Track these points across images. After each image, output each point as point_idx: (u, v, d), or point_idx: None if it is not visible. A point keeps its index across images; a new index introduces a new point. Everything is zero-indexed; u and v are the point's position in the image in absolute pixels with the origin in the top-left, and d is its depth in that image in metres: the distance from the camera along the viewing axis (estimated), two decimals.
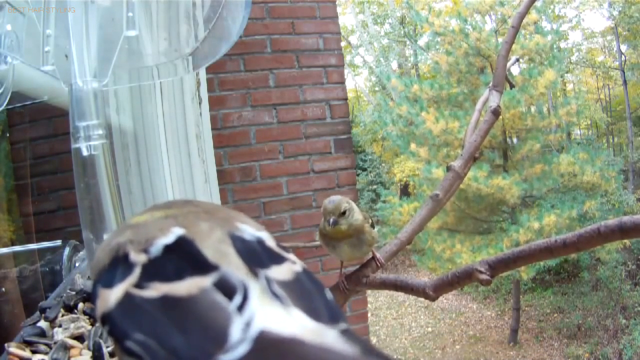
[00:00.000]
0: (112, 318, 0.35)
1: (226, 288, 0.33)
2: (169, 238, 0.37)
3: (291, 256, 0.41)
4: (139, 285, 0.35)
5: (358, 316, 2.74)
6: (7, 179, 1.76)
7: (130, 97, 1.49)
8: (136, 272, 0.36)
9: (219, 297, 0.32)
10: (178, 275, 0.34)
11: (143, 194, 1.51)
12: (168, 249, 0.37)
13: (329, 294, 0.37)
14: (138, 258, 0.37)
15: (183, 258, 0.36)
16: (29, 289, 1.18)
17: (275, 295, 0.33)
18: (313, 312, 0.33)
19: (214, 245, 0.37)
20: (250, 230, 0.41)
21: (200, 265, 0.35)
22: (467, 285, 0.68)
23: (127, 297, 0.34)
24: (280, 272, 0.37)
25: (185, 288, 0.33)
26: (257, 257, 0.38)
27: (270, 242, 0.41)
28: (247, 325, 0.30)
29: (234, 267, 0.35)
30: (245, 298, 0.32)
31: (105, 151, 0.71)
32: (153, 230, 0.39)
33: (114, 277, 0.36)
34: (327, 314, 0.34)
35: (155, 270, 0.36)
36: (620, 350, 9.36)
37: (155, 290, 0.34)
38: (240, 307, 0.31)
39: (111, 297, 0.35)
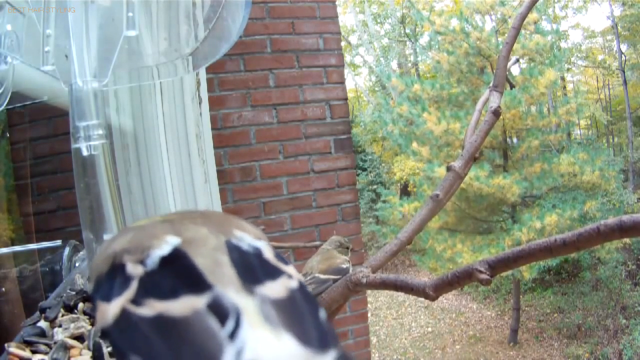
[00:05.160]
0: (111, 335, 0.35)
1: (219, 311, 0.33)
2: (164, 249, 0.37)
3: (289, 268, 0.40)
4: (135, 301, 0.35)
5: (358, 316, 2.74)
6: (7, 179, 1.76)
7: (130, 97, 1.49)
8: (133, 286, 0.36)
9: (212, 322, 0.32)
10: (173, 293, 0.34)
11: (143, 194, 1.51)
12: (164, 261, 0.37)
13: (322, 314, 0.37)
14: (135, 271, 0.36)
15: (178, 273, 0.36)
16: (29, 289, 1.18)
17: (267, 317, 0.33)
18: (303, 337, 0.32)
19: (209, 254, 0.37)
20: (248, 239, 0.40)
21: (194, 282, 0.35)
22: (467, 285, 0.68)
23: (124, 314, 0.34)
24: (274, 290, 0.36)
25: (179, 308, 0.33)
26: (252, 271, 0.37)
27: (268, 252, 0.41)
28: (238, 354, 0.30)
29: (228, 285, 0.35)
30: (237, 324, 0.32)
31: (105, 151, 0.71)
32: (148, 238, 0.39)
33: (112, 290, 0.36)
34: (318, 338, 0.33)
35: (152, 285, 0.35)
36: (620, 350, 9.36)
37: (151, 308, 0.34)
38: (232, 334, 0.31)
39: (109, 312, 0.35)
